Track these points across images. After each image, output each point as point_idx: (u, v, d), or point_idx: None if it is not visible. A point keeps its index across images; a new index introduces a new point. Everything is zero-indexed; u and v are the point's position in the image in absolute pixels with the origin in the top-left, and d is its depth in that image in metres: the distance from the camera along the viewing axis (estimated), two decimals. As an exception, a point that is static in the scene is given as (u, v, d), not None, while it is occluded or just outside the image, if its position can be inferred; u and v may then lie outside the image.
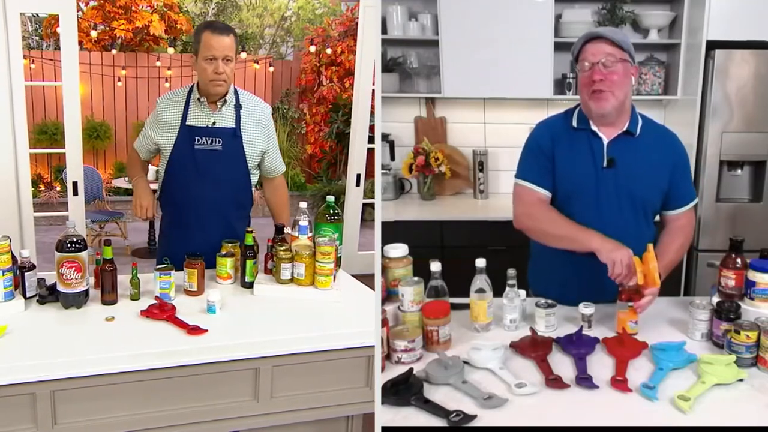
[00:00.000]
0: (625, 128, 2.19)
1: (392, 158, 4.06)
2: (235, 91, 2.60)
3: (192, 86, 2.62)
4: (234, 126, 2.56)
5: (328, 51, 8.15)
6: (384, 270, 2.04)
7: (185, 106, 2.58)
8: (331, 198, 2.52)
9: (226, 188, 2.60)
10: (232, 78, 2.55)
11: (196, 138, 2.54)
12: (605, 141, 2.19)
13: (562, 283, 2.21)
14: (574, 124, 2.21)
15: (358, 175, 5.40)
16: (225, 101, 2.56)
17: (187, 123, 2.57)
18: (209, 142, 2.54)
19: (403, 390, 1.61)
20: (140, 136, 2.73)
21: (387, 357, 1.80)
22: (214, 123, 2.56)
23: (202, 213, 2.60)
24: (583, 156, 2.20)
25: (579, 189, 2.20)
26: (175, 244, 2.61)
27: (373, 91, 5.28)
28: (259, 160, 2.67)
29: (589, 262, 2.19)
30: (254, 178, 2.69)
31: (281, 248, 2.38)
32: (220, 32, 2.46)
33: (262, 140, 2.63)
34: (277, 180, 2.76)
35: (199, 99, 2.56)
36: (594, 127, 2.19)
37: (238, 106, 2.58)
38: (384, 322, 1.80)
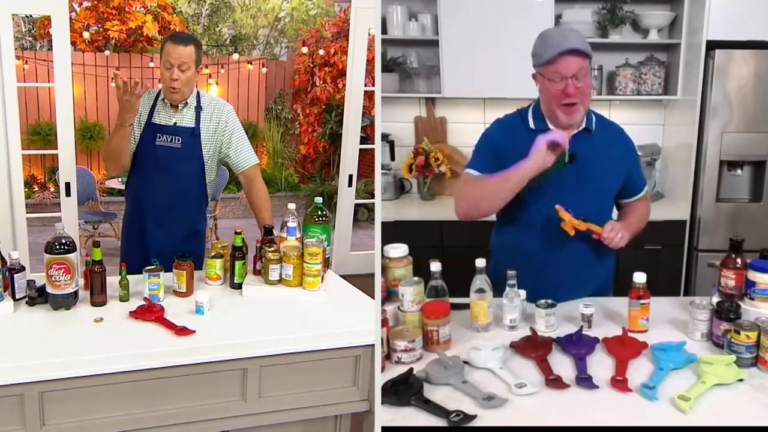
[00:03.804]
0: (583, 126, 2.23)
1: (392, 158, 4.06)
2: (198, 94, 2.75)
3: (159, 90, 2.77)
4: (194, 126, 2.70)
5: (321, 52, 8.14)
6: (384, 270, 2.04)
7: (153, 105, 2.73)
8: (318, 199, 2.57)
9: (183, 183, 2.74)
10: (192, 84, 2.69)
11: (158, 135, 2.69)
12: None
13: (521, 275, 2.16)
14: (532, 125, 2.24)
15: (351, 176, 5.39)
16: (186, 103, 2.71)
17: (152, 120, 2.71)
18: (169, 140, 2.69)
19: (403, 390, 1.62)
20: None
21: (387, 357, 1.81)
22: (175, 123, 2.70)
23: (159, 205, 2.74)
24: None
25: (542, 185, 2.19)
26: (135, 235, 2.79)
27: (366, 91, 5.32)
28: (216, 156, 2.78)
29: (555, 260, 2.21)
30: (210, 177, 2.80)
31: (270, 249, 2.39)
32: (178, 42, 2.62)
33: (219, 135, 2.75)
34: (249, 173, 2.81)
35: (163, 100, 2.72)
36: (552, 127, 2.21)
37: (198, 108, 2.72)
38: (384, 322, 1.81)
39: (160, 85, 2.79)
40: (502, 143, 2.26)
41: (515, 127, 2.27)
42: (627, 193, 2.37)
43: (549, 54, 2.10)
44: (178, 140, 2.68)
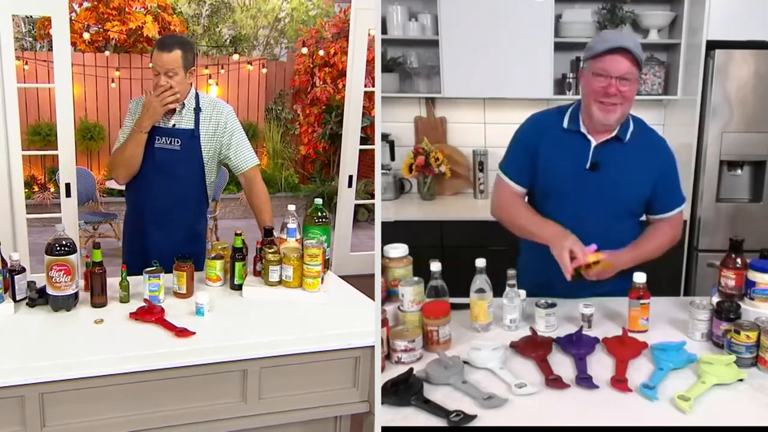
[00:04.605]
0: (614, 134, 2.19)
1: (392, 158, 4.06)
2: (197, 95, 2.74)
3: None
4: (193, 127, 2.69)
5: (321, 52, 8.15)
6: (384, 270, 2.04)
7: None
8: (319, 201, 2.57)
9: (182, 185, 2.73)
10: (185, 87, 2.66)
11: (157, 137, 2.67)
12: (593, 144, 2.19)
13: (549, 276, 2.18)
14: (565, 124, 2.22)
15: (351, 177, 5.40)
16: (184, 105, 2.69)
17: None
18: (168, 142, 2.68)
19: (403, 390, 1.61)
20: (120, 140, 2.78)
21: (387, 357, 1.81)
22: (174, 125, 2.70)
23: (158, 207, 2.73)
24: (567, 157, 2.21)
25: (560, 188, 2.22)
26: (135, 237, 2.79)
27: (366, 92, 5.33)
28: (216, 158, 2.77)
29: None
30: (210, 179, 2.79)
31: (270, 250, 2.39)
32: (163, 48, 2.60)
33: (219, 137, 2.74)
34: (249, 174, 2.80)
35: None
36: (584, 130, 2.20)
37: (197, 110, 2.71)
38: (384, 322, 1.80)
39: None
40: (533, 141, 2.24)
41: (551, 125, 2.24)
42: (651, 208, 2.28)
43: (600, 47, 2.06)
44: (177, 142, 2.67)
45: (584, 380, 1.69)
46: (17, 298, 2.19)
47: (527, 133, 2.29)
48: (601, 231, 2.17)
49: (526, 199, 2.34)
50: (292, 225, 2.45)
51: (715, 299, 2.02)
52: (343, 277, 2.64)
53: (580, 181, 2.18)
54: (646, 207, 2.28)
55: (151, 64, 2.66)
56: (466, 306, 2.01)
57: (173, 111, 2.68)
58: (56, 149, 4.32)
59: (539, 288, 2.12)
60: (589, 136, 2.19)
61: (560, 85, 3.83)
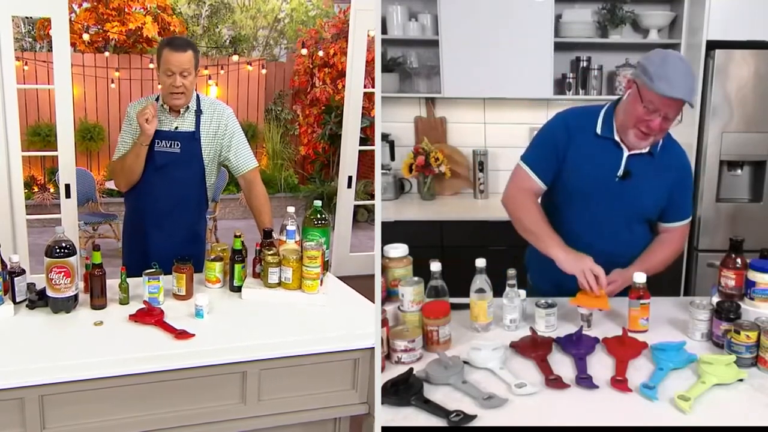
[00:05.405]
0: (647, 149, 2.19)
1: (392, 158, 4.06)
2: (198, 97, 2.74)
3: (159, 95, 2.76)
4: (194, 129, 2.70)
5: (320, 53, 8.15)
6: (384, 270, 2.04)
7: None
8: (318, 202, 2.58)
9: (183, 187, 2.74)
10: (192, 89, 2.69)
11: (157, 141, 2.67)
12: (625, 153, 2.20)
13: (559, 275, 2.17)
14: (598, 131, 2.21)
15: (350, 177, 5.40)
16: (187, 108, 2.70)
17: None
18: (168, 145, 2.68)
19: (403, 390, 1.61)
20: (120, 147, 2.78)
21: (387, 357, 1.81)
22: (176, 128, 2.70)
23: (158, 209, 2.74)
24: (598, 163, 2.21)
25: (586, 192, 2.22)
26: (135, 239, 2.80)
27: (365, 92, 5.33)
28: (216, 160, 2.77)
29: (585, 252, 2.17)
30: (210, 180, 2.80)
31: (269, 252, 2.39)
32: (177, 49, 2.60)
33: (219, 139, 2.74)
34: (249, 176, 2.81)
35: (162, 106, 2.70)
36: (617, 138, 2.19)
37: (198, 112, 2.72)
38: (384, 322, 1.80)
39: (155, 94, 2.78)
40: (564, 144, 2.23)
41: (582, 128, 2.23)
42: (663, 216, 2.30)
43: (661, 89, 2.00)
44: (177, 145, 2.67)
45: (584, 380, 1.69)
46: (17, 300, 2.19)
47: (556, 132, 2.28)
48: (616, 235, 2.20)
49: (541, 197, 2.34)
50: (291, 227, 2.45)
51: (715, 299, 2.02)
52: (342, 278, 2.64)
53: (607, 187, 2.19)
54: (659, 214, 2.30)
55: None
56: (466, 306, 2.01)
57: (177, 112, 2.68)
58: (56, 150, 4.32)
59: (552, 287, 2.14)
60: (623, 146, 2.19)
61: (560, 85, 3.83)
